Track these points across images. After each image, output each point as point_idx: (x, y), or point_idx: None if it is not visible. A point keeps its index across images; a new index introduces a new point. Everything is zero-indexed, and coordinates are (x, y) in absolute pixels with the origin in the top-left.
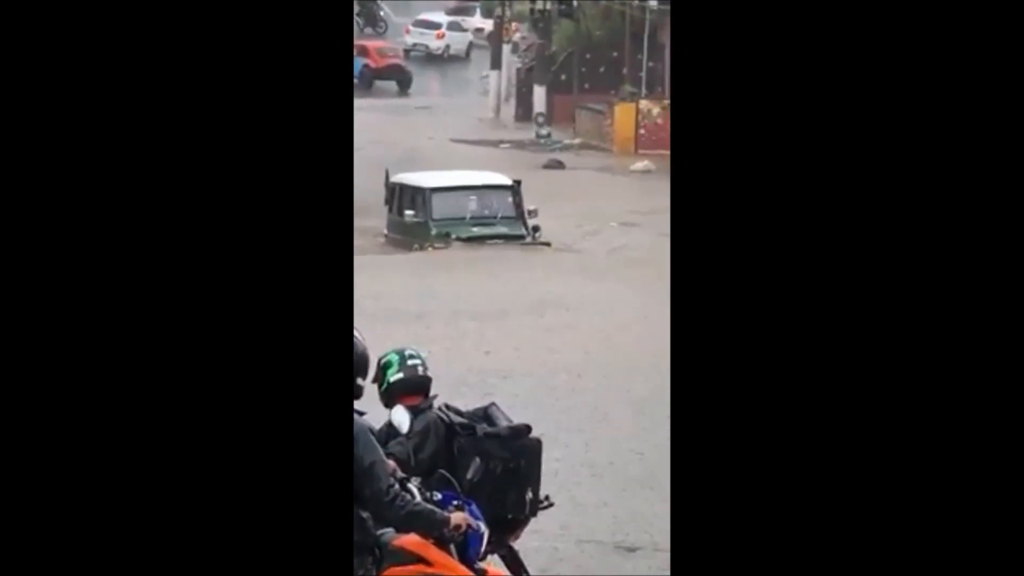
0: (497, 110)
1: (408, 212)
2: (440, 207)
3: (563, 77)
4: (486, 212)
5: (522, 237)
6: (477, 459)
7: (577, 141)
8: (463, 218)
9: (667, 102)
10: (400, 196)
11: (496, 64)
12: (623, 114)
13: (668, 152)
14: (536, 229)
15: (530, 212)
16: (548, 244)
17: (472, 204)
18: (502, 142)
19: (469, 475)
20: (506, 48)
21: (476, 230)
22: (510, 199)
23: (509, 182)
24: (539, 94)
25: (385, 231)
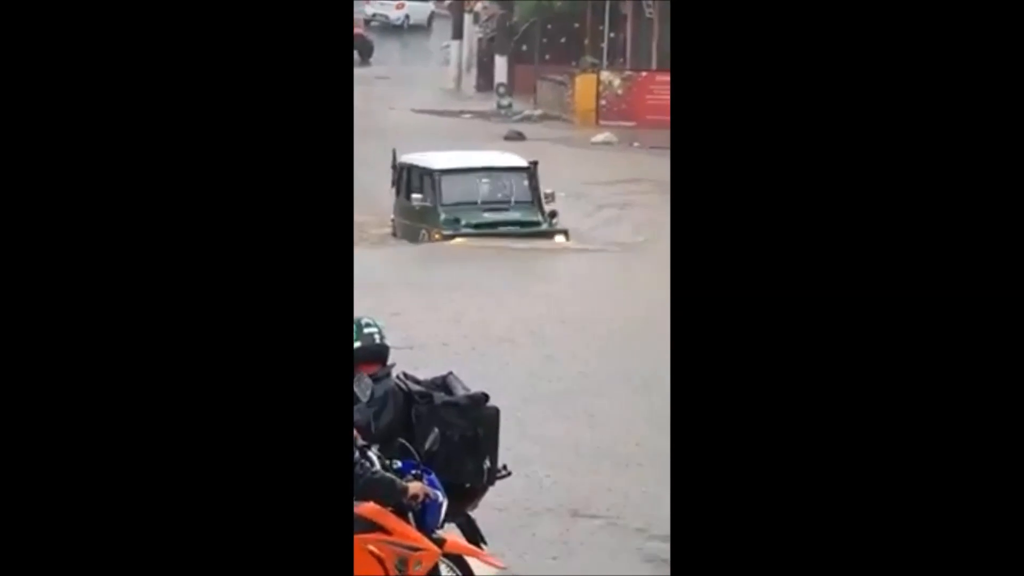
0: (458, 80)
1: (416, 196)
2: (450, 191)
3: (524, 47)
4: (499, 196)
5: (538, 224)
6: (436, 429)
7: (538, 112)
8: (475, 203)
9: (628, 73)
10: (408, 178)
11: (457, 34)
12: (584, 85)
13: (629, 123)
14: (553, 215)
15: (547, 196)
16: (566, 232)
17: (484, 188)
18: (463, 112)
19: (427, 445)
20: (467, 18)
21: (488, 216)
22: (525, 182)
23: (524, 163)
24: (500, 64)
25: (392, 216)
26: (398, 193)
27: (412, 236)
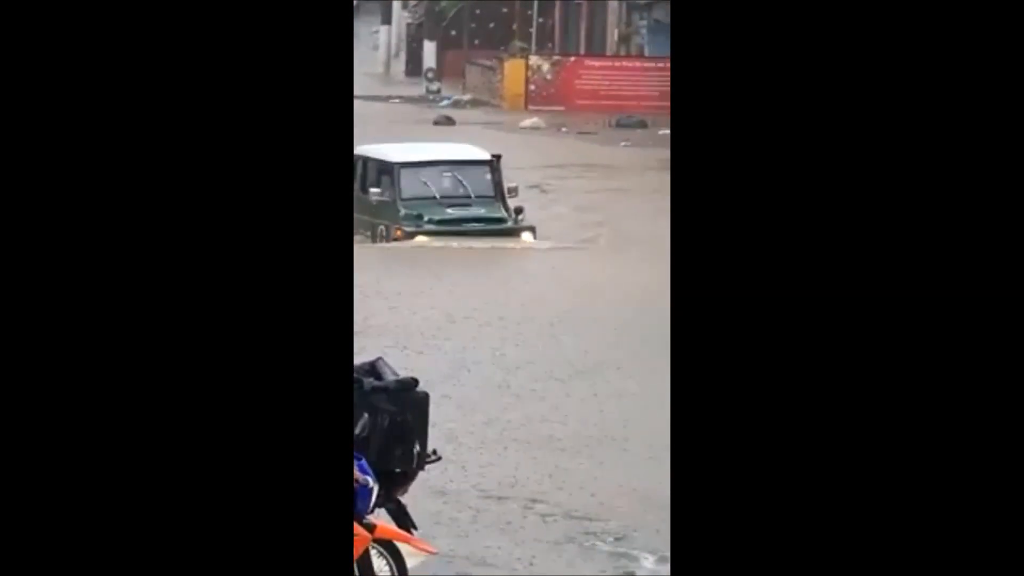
0: (387, 65)
1: (374, 190)
2: (410, 185)
3: (453, 32)
4: (461, 191)
5: (503, 220)
6: (365, 415)
7: (467, 97)
8: (434, 197)
9: (557, 58)
10: (364, 171)
11: (386, 19)
12: (513, 70)
13: (558, 108)
14: (519, 212)
15: (510, 191)
16: (533, 229)
17: (446, 182)
18: (392, 97)
19: (357, 431)
20: (396, 3)
21: (451, 212)
22: (488, 176)
23: (486, 156)
24: (429, 49)
25: None
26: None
27: (368, 230)
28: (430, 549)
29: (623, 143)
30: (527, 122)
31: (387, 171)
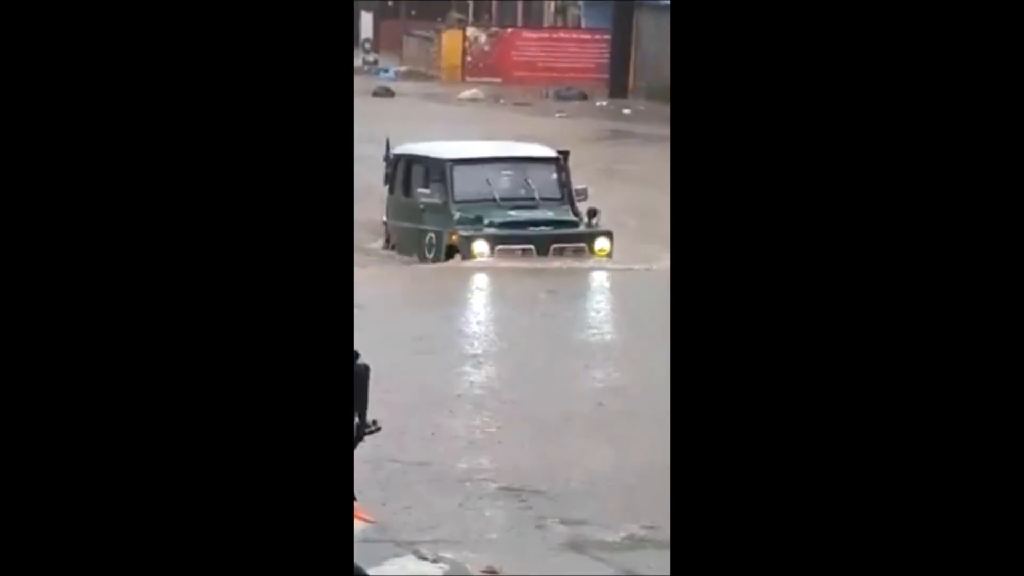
0: None
1: (422, 191)
2: (464, 185)
3: (390, 3)
4: (522, 192)
5: (574, 224)
6: None
7: (404, 68)
8: (494, 199)
9: (495, 29)
10: (407, 171)
11: None
12: (450, 41)
13: (495, 80)
14: (593, 215)
15: (578, 192)
16: (610, 235)
17: (505, 182)
18: None
19: None
20: None
21: (514, 214)
22: (553, 175)
23: (552, 153)
24: (366, 20)
25: (384, 218)
26: (392, 190)
27: (414, 241)
28: (369, 518)
29: (557, 114)
30: (466, 93)
31: (437, 170)
